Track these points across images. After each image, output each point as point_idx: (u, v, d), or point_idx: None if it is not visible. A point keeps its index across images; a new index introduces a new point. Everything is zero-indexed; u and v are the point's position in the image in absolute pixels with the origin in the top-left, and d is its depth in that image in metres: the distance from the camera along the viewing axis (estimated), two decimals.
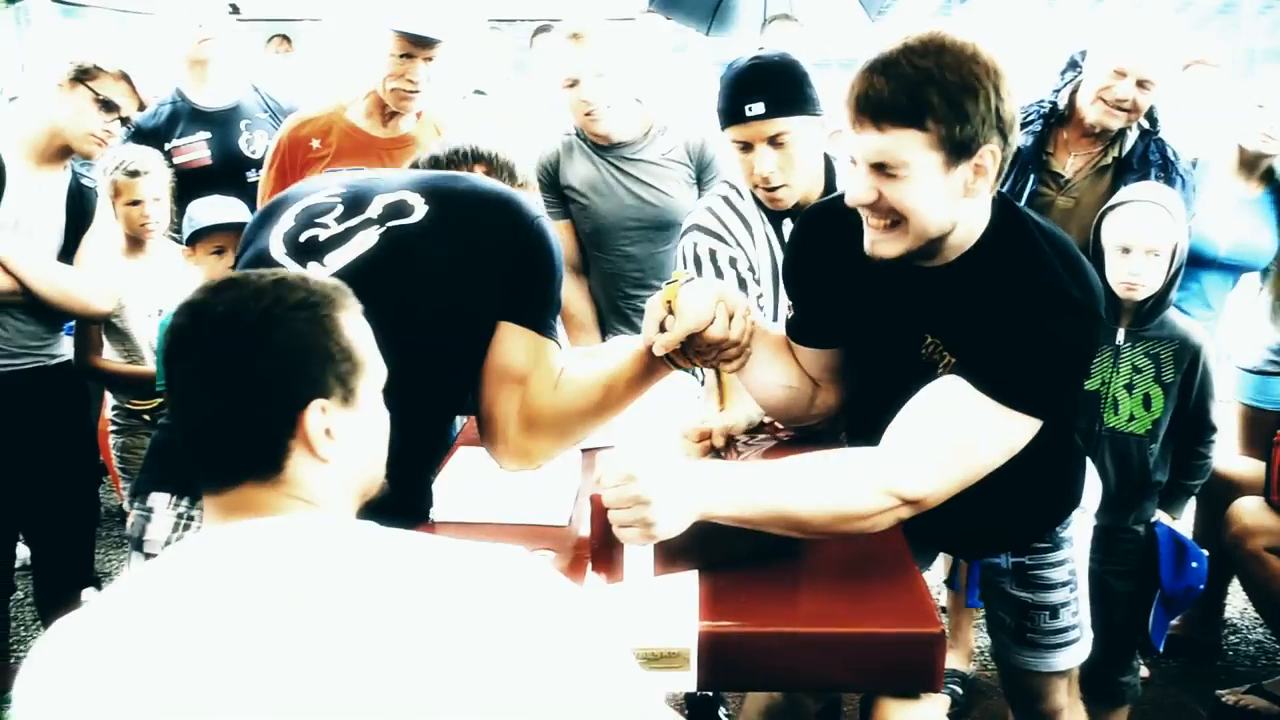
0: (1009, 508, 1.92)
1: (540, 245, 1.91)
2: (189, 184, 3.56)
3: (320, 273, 1.82)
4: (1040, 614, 2.22)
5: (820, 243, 1.96)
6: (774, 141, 2.37)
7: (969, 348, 1.77)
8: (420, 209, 1.89)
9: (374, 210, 1.90)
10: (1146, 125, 3.09)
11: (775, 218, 2.56)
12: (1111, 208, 2.70)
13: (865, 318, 1.95)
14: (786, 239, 2.53)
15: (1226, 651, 3.53)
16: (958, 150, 1.69)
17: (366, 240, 1.86)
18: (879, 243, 1.79)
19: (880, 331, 1.95)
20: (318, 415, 1.21)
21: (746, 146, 2.40)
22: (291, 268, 1.85)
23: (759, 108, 2.33)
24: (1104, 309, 1.86)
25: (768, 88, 2.35)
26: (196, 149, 3.78)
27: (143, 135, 3.60)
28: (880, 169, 1.72)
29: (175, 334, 1.23)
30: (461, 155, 2.20)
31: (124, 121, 2.90)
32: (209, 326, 1.22)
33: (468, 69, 5.21)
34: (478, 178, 2.07)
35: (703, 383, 2.55)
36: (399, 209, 1.89)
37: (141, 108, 2.97)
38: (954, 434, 1.72)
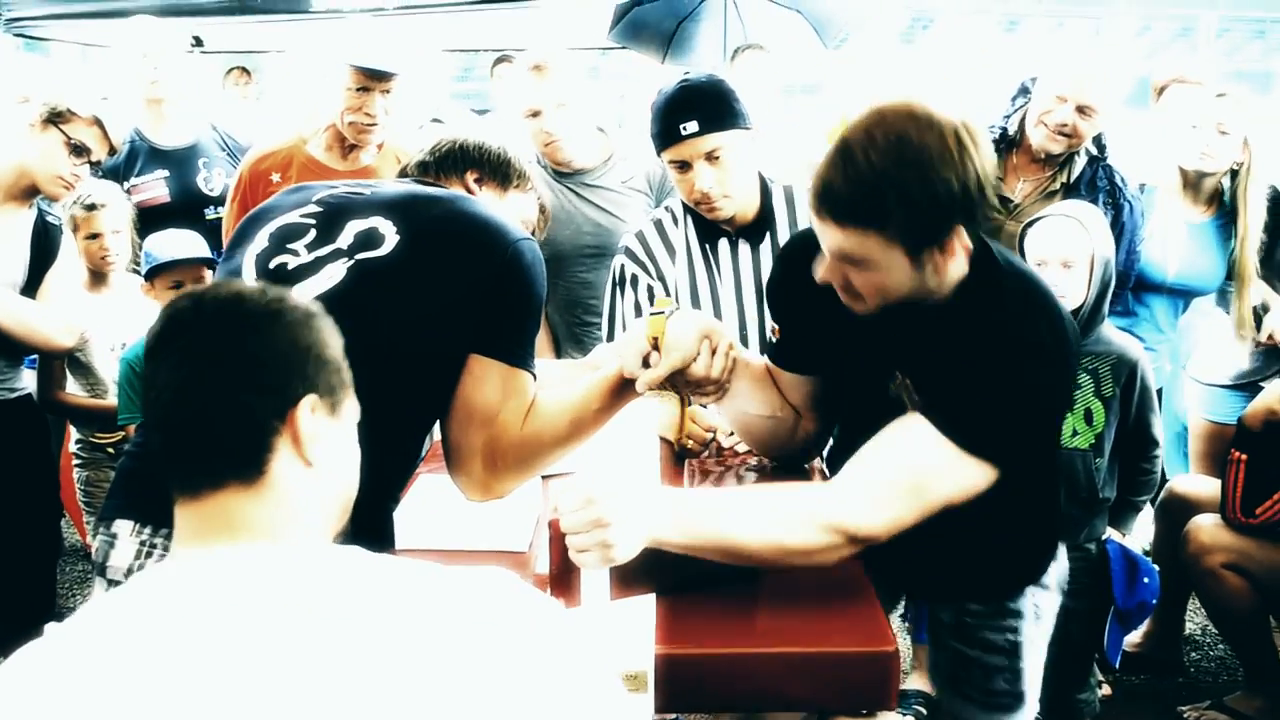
0: (972, 558, 1.94)
1: (516, 273, 1.86)
2: (147, 222, 3.58)
3: None
4: (973, 670, 2.14)
5: (802, 269, 1.91)
6: (710, 157, 2.43)
7: (936, 389, 1.76)
8: (390, 239, 1.85)
9: (345, 239, 1.87)
10: (1095, 151, 3.15)
11: (711, 240, 2.61)
12: (1030, 224, 2.75)
13: (841, 347, 1.95)
14: (720, 263, 2.58)
15: (1188, 668, 3.55)
16: (920, 242, 1.68)
17: (334, 274, 1.82)
18: (849, 303, 1.80)
19: (854, 362, 1.95)
20: (308, 413, 1.17)
21: (684, 166, 2.46)
22: None
23: (692, 126, 2.40)
24: (1077, 355, 1.83)
25: (698, 106, 2.41)
26: (154, 187, 3.81)
27: (102, 174, 3.62)
28: (844, 258, 1.73)
29: (173, 317, 1.18)
30: (452, 162, 2.15)
31: (94, 165, 2.91)
32: (212, 306, 1.18)
33: (425, 98, 5.25)
34: (458, 198, 2.01)
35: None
36: (369, 239, 1.86)
37: (112, 152, 2.98)
38: (908, 474, 1.72)
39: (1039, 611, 2.15)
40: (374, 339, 1.80)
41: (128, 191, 3.69)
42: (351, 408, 1.28)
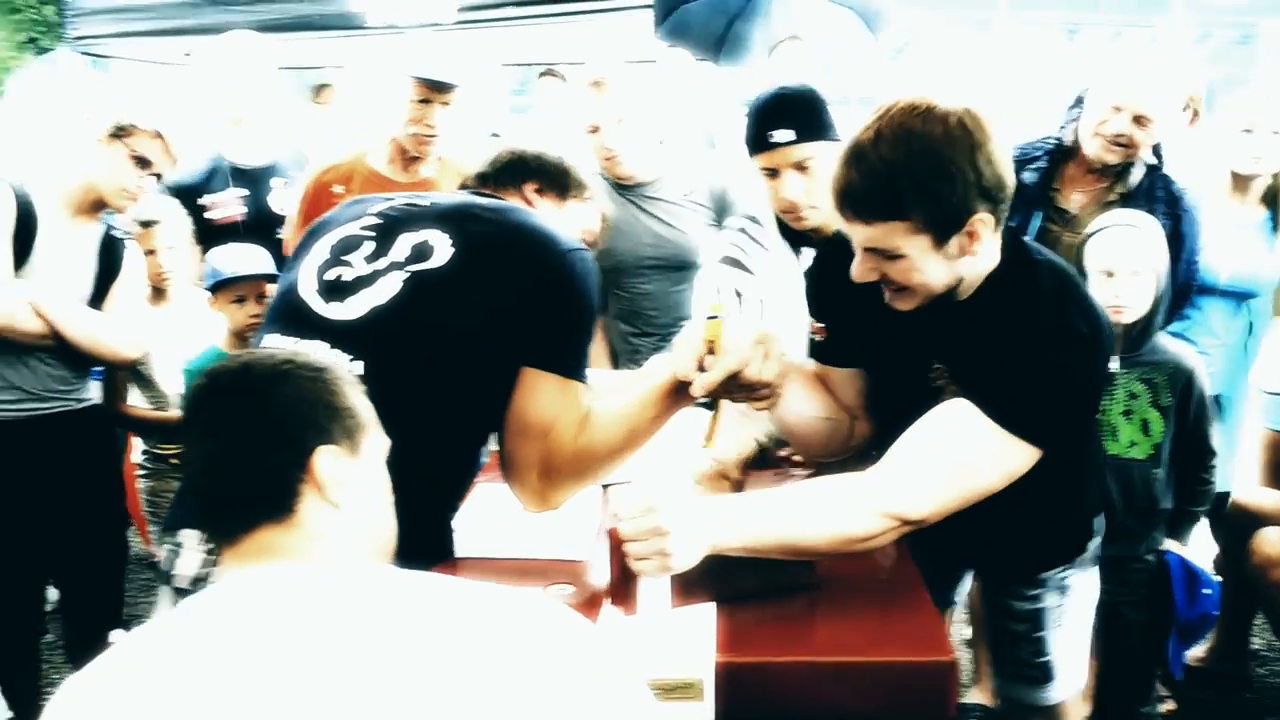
0: (1012, 534, 1.98)
1: (569, 284, 1.88)
2: (221, 239, 3.61)
3: (342, 312, 1.86)
4: (1002, 637, 2.25)
5: (839, 266, 1.96)
6: (800, 166, 2.42)
7: (974, 375, 1.82)
8: (445, 251, 1.88)
9: (399, 252, 1.90)
10: (1153, 161, 3.11)
11: (795, 248, 2.60)
12: (1091, 234, 2.73)
13: (880, 339, 2.00)
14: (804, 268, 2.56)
15: (1254, 683, 3.50)
16: (944, 228, 1.75)
17: (390, 286, 1.85)
18: (893, 300, 1.87)
19: (893, 354, 2.00)
20: (328, 459, 1.28)
21: (773, 173, 2.45)
22: (316, 305, 1.88)
23: (786, 134, 2.39)
24: (1111, 343, 1.89)
25: (793, 115, 2.40)
26: (230, 205, 3.85)
27: (181, 191, 3.68)
28: (875, 252, 1.80)
29: (195, 393, 1.33)
30: (511, 173, 2.18)
31: (158, 178, 2.96)
32: (225, 379, 1.32)
33: (484, 112, 5.30)
34: (512, 209, 2.03)
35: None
36: (423, 251, 1.88)
37: (174, 164, 3.03)
38: (954, 457, 1.78)
39: (1065, 585, 2.19)
40: (430, 350, 1.83)
41: (205, 208, 3.75)
42: (374, 446, 1.38)
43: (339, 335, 1.83)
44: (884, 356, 2.03)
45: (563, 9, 5.98)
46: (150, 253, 3.34)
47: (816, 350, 2.16)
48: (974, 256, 1.79)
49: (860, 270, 1.84)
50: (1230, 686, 3.44)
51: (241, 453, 1.27)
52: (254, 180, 3.90)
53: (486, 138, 4.87)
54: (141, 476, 3.49)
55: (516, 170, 2.18)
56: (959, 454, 1.78)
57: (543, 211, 2.14)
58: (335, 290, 1.89)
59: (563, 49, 6.45)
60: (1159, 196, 3.07)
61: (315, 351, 1.42)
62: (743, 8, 5.68)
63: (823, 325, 2.13)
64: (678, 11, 5.72)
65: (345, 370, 1.40)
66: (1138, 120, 2.97)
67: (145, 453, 3.48)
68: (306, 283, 1.93)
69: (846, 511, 1.75)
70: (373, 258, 1.91)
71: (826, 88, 2.44)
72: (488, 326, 1.84)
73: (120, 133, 2.86)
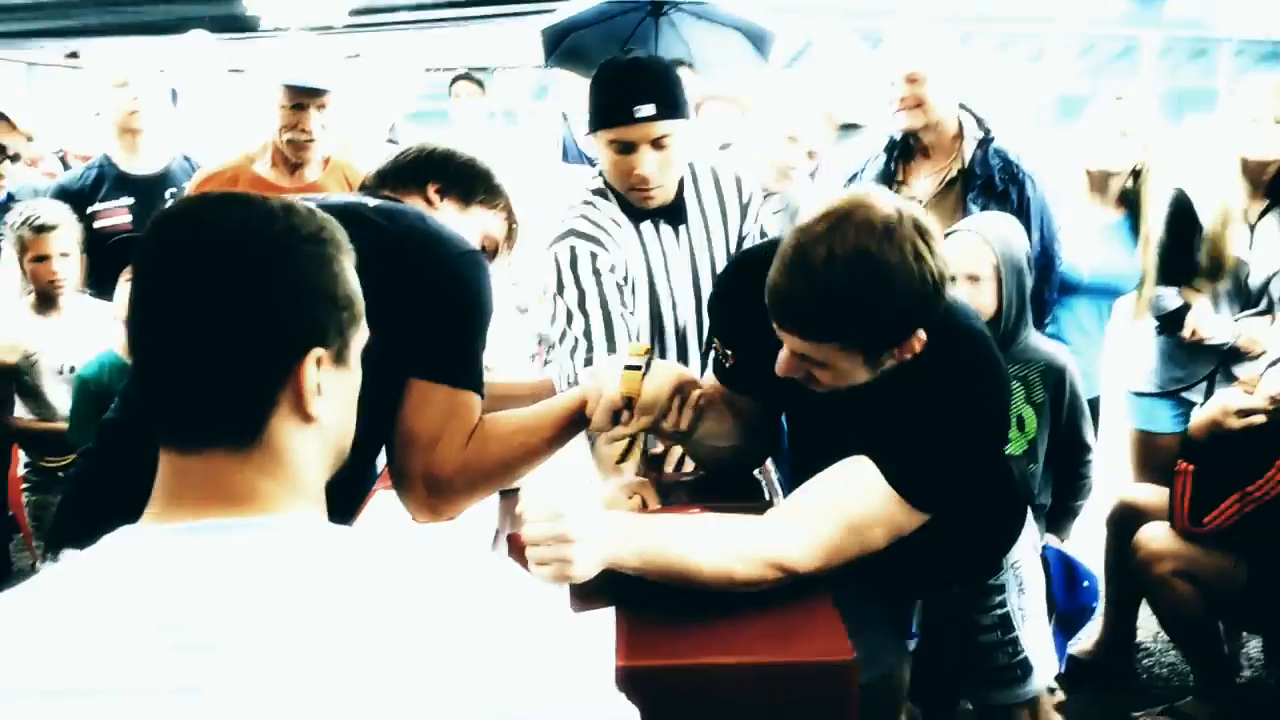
0: (941, 552, 1.97)
1: (457, 291, 1.80)
2: (109, 248, 3.53)
3: None
4: (971, 653, 2.25)
5: (746, 292, 1.89)
6: (656, 143, 2.37)
7: (877, 439, 1.80)
8: None
9: None
10: (981, 134, 3.24)
11: (636, 221, 2.55)
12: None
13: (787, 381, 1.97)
14: (648, 244, 2.54)
15: (1140, 674, 3.60)
16: (882, 348, 1.74)
17: None
18: (809, 383, 1.84)
19: (793, 391, 1.96)
20: (314, 369, 1.05)
21: (628, 147, 2.39)
22: None
23: (650, 109, 2.33)
24: (1009, 404, 1.91)
25: (656, 90, 2.35)
26: (118, 214, 3.76)
27: (68, 196, 3.60)
28: (805, 359, 1.78)
29: (161, 244, 1.04)
30: (414, 172, 2.08)
31: (13, 159, 2.90)
32: (213, 240, 1.02)
33: (385, 118, 5.25)
34: (403, 211, 1.90)
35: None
36: None
37: (29, 140, 2.96)
38: (848, 518, 1.77)
39: (1022, 582, 2.24)
40: None
41: (92, 216, 3.65)
42: (359, 345, 1.17)
43: None
44: (785, 389, 1.99)
45: (455, 14, 5.96)
46: (43, 259, 3.26)
47: (727, 375, 2.12)
48: (898, 362, 1.79)
49: (786, 369, 1.81)
50: (1116, 678, 3.53)
51: (216, 346, 1.00)
52: (145, 189, 3.83)
53: (383, 143, 4.81)
54: (27, 489, 3.40)
55: (420, 169, 2.09)
56: (853, 515, 1.77)
57: (444, 215, 2.05)
58: None
59: (470, 53, 6.40)
60: (994, 165, 3.18)
61: (313, 207, 1.14)
62: (633, 31, 5.69)
63: (730, 351, 2.10)
64: (570, 38, 5.73)
65: (343, 234, 1.15)
66: (911, 80, 3.16)
67: (29, 465, 3.38)
68: None
69: (737, 554, 1.73)
70: None
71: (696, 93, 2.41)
72: (373, 331, 1.79)
73: None
